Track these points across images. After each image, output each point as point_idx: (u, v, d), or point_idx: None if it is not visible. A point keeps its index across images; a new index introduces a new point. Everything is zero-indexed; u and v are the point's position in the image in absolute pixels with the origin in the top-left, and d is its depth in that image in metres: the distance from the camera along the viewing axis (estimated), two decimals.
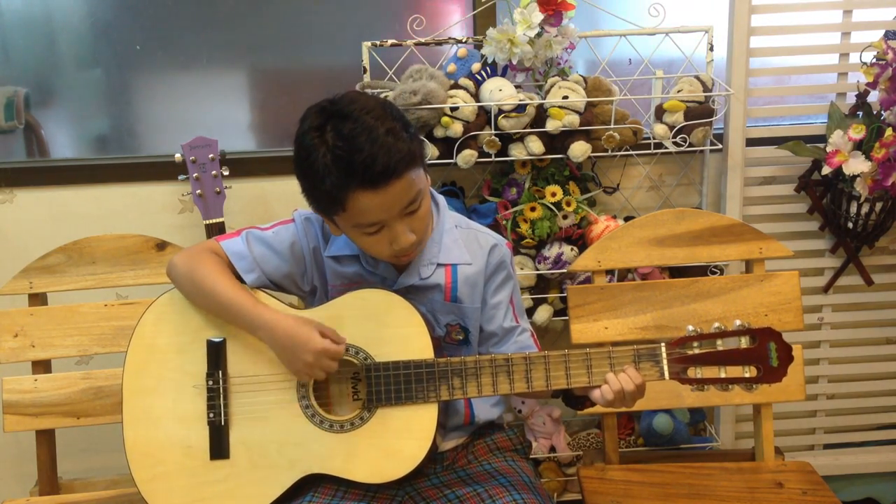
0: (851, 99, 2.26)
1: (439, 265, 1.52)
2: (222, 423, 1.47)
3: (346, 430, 1.44)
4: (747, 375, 1.37)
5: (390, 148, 1.32)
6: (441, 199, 1.58)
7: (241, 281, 1.50)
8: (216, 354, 1.48)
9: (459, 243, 1.55)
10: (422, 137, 1.80)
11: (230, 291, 1.44)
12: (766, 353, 1.36)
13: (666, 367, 1.39)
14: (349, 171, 1.31)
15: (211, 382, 1.48)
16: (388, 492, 1.49)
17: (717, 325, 1.38)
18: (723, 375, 1.37)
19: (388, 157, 1.31)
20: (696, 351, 1.38)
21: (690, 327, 1.38)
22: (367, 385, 1.44)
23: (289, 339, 1.40)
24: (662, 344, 1.39)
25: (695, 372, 1.38)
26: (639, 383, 1.39)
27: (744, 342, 1.37)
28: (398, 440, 1.43)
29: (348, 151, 1.31)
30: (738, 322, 1.37)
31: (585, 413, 1.63)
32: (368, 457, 1.43)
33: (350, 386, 1.51)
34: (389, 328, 1.45)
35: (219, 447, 1.46)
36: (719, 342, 1.37)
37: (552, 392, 1.47)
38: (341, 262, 1.53)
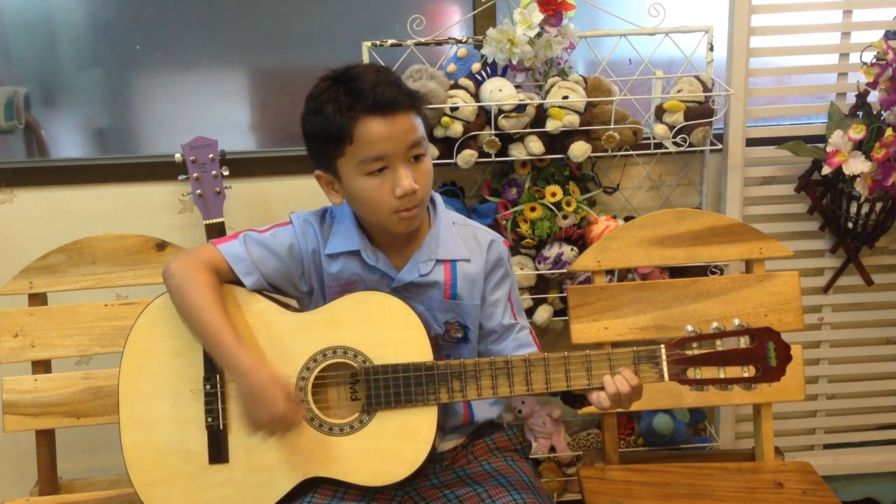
0: (851, 99, 2.26)
1: (438, 261, 1.53)
2: (220, 428, 1.47)
3: (346, 434, 1.44)
4: (746, 375, 1.37)
5: (397, 83, 1.44)
6: (438, 197, 1.59)
7: (241, 284, 1.50)
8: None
9: (458, 240, 1.56)
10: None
11: (215, 323, 1.42)
12: (764, 352, 1.36)
13: (665, 369, 1.39)
14: (360, 97, 1.40)
15: (208, 386, 1.48)
16: (387, 493, 1.49)
17: (715, 325, 1.38)
18: (722, 376, 1.37)
19: (396, 89, 1.42)
20: (696, 352, 1.38)
21: (689, 328, 1.39)
22: (366, 388, 1.44)
23: (255, 391, 1.39)
24: (662, 345, 1.39)
25: (694, 372, 1.38)
26: (635, 385, 1.39)
27: (742, 342, 1.37)
28: (398, 443, 1.43)
29: (358, 83, 1.41)
30: (736, 322, 1.37)
31: (585, 413, 1.63)
32: (368, 460, 1.43)
33: (348, 388, 1.51)
34: (388, 330, 1.45)
35: (217, 451, 1.46)
36: (718, 342, 1.38)
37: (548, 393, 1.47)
38: (340, 261, 1.52)
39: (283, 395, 1.39)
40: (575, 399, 1.50)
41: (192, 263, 1.48)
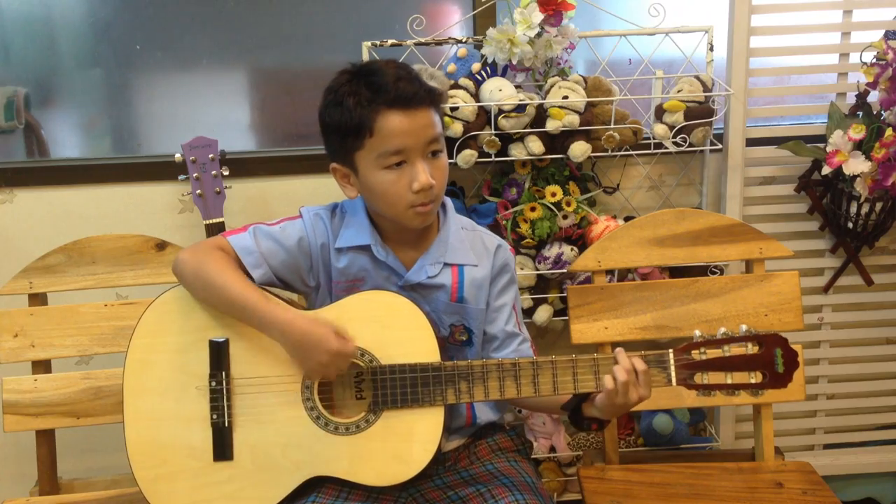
0: (851, 99, 2.26)
1: (446, 265, 1.53)
2: (225, 425, 1.46)
3: (351, 433, 1.44)
4: (753, 381, 1.38)
5: (418, 79, 1.45)
6: (449, 201, 1.60)
7: (249, 277, 1.49)
8: (219, 355, 1.47)
9: (466, 245, 1.57)
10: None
11: (241, 289, 1.43)
12: (772, 358, 1.36)
13: (673, 374, 1.39)
14: (381, 90, 1.40)
15: (214, 383, 1.47)
16: (391, 493, 1.49)
17: (723, 330, 1.38)
18: (729, 381, 1.38)
19: (417, 84, 1.43)
20: (703, 357, 1.38)
21: (698, 332, 1.39)
22: (373, 387, 1.44)
23: (304, 338, 1.40)
24: (670, 350, 1.40)
25: (701, 378, 1.38)
26: (643, 369, 1.38)
27: (750, 348, 1.37)
28: (404, 443, 1.43)
29: (379, 77, 1.42)
30: (744, 328, 1.37)
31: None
32: (374, 460, 1.43)
33: (354, 387, 1.51)
34: (395, 330, 1.45)
35: (222, 449, 1.46)
36: (726, 348, 1.38)
37: (560, 407, 1.48)
38: (349, 255, 1.53)
39: (330, 330, 1.40)
40: (582, 420, 1.48)
41: (203, 248, 1.49)
